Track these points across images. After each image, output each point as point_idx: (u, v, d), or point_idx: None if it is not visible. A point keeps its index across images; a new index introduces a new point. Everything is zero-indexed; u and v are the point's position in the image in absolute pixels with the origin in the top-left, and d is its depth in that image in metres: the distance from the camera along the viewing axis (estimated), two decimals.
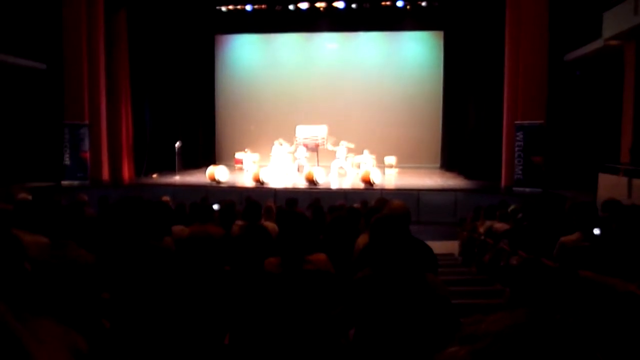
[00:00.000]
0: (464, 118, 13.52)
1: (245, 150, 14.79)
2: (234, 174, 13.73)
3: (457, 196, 10.25)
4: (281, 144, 13.64)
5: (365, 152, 13.64)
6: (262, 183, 11.33)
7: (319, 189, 10.96)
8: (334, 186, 11.84)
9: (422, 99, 16.06)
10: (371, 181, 11.06)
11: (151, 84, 13.67)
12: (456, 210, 9.95)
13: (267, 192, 10.65)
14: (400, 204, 2.78)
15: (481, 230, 6.03)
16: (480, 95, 12.46)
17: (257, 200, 4.73)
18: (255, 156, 15.12)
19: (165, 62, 14.10)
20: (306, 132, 14.04)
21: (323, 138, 13.85)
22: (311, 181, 11.29)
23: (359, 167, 13.65)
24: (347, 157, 13.64)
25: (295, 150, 13.81)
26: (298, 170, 14.06)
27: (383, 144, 15.65)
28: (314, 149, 14.07)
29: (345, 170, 13.50)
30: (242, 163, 14.84)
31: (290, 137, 14.38)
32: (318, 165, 13.51)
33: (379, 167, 13.15)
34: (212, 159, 16.39)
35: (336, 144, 13.27)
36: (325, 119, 14.73)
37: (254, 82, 16.89)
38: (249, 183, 11.67)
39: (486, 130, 12.19)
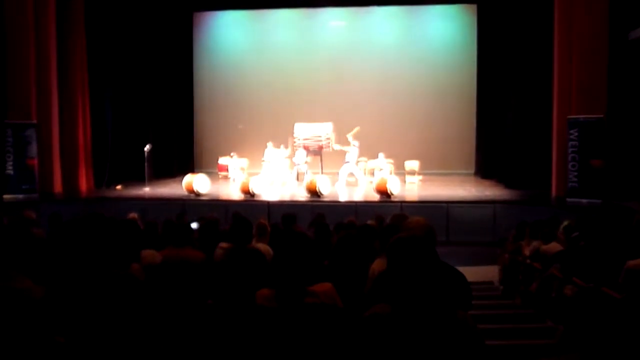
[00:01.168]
0: (504, 113, 13.53)
1: (231, 154, 14.90)
2: (217, 183, 13.80)
3: (496, 209, 10.30)
4: (277, 147, 13.86)
5: (381, 155, 13.69)
6: (253, 195, 11.41)
7: (324, 202, 11.05)
8: (343, 198, 11.90)
9: (451, 89, 16.01)
10: (388, 192, 11.03)
11: (114, 74, 13.72)
12: (495, 228, 10.01)
13: (258, 207, 10.72)
14: (424, 221, 2.79)
15: (527, 252, 6.18)
16: (523, 84, 12.33)
17: (247, 216, 4.79)
18: (244, 162, 15.18)
19: (131, 48, 14.13)
20: (307, 132, 14.09)
21: (328, 138, 13.92)
22: (313, 192, 11.36)
23: (373, 174, 13.71)
24: (358, 161, 13.75)
25: (294, 154, 14.00)
26: (297, 178, 14.12)
27: (403, 145, 15.69)
28: (317, 151, 14.15)
29: (357, 178, 13.53)
30: (227, 170, 14.93)
31: (287, 138, 14.44)
32: (322, 172, 13.56)
33: (398, 174, 13.24)
34: (190, 166, 16.47)
35: (344, 143, 13.45)
36: (330, 116, 14.42)
37: (242, 70, 16.91)
38: (236, 195, 11.74)
39: (531, 127, 12.10)
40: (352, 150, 13.30)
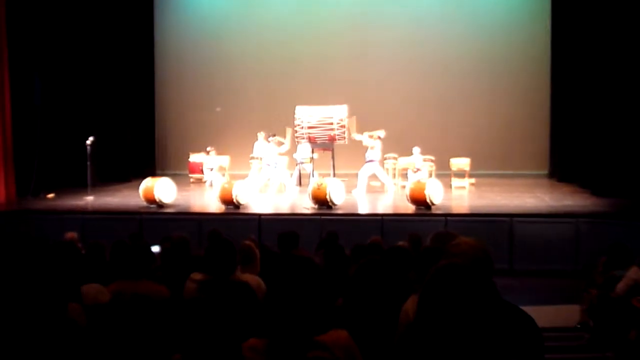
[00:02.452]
0: (586, 98, 13.49)
1: (208, 149, 15.01)
2: (187, 190, 14.06)
3: (579, 226, 10.29)
4: (270, 139, 14.04)
5: (416, 151, 13.90)
6: (238, 206, 11.52)
7: (337, 215, 11.17)
8: (363, 210, 12.04)
9: (514, 64, 16.28)
10: (427, 200, 11.06)
11: (45, 50, 13.88)
12: (577, 251, 10.05)
13: (245, 222, 10.85)
14: (478, 243, 2.79)
15: (622, 285, 6.09)
16: (612, 61, 12.35)
17: (229, 236, 4.83)
18: (225, 160, 15.39)
19: (68, 14, 14.38)
20: (313, 117, 14.25)
21: (343, 126, 14.05)
22: (323, 202, 11.46)
23: (405, 176, 13.93)
24: (385, 159, 13.98)
25: (295, 149, 14.63)
26: (299, 182, 14.38)
27: (447, 137, 15.91)
28: (327, 145, 14.33)
29: (383, 181, 13.78)
30: (201, 172, 15.13)
31: (284, 127, 14.59)
32: (334, 174, 13.75)
33: (441, 176, 13.34)
34: (151, 167, 16.62)
35: (365, 132, 13.71)
36: (344, 99, 14.73)
37: (222, 35, 17.19)
38: (215, 206, 11.87)
39: (624, 117, 12.09)
40: (377, 144, 13.42)
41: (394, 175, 14.35)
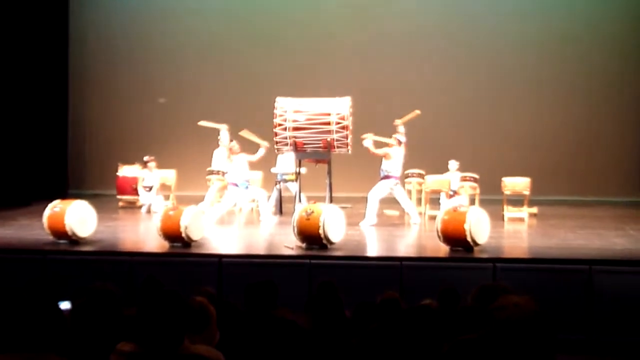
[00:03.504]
0: None
1: (145, 160, 15.32)
2: (113, 219, 14.30)
3: None
4: (231, 148, 14.33)
5: (453, 166, 14.36)
6: (188, 242, 11.53)
7: (334, 258, 11.12)
8: (373, 251, 12.33)
9: (599, 64, 17.02)
10: (468, 238, 11.06)
11: None
12: None
13: (199, 267, 10.86)
14: (532, 305, 2.83)
15: None
16: None
17: (174, 286, 4.81)
18: (169, 175, 15.76)
19: None
20: (300, 113, 14.50)
21: (344, 127, 14.25)
22: (313, 238, 11.35)
23: (437, 202, 14.37)
24: (407, 176, 14.52)
25: (274, 161, 15.06)
26: (278, 209, 14.82)
27: (497, 149, 16.63)
28: (322, 154, 14.55)
29: (404, 208, 14.07)
30: (135, 192, 15.48)
31: (258, 127, 14.88)
32: (331, 198, 14.10)
33: (488, 202, 13.55)
34: (61, 184, 17.03)
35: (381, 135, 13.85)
36: (351, 92, 15.18)
37: (164, 10, 18.08)
38: (153, 243, 12.08)
39: None
40: (396, 152, 13.67)
41: (420, 201, 14.53)
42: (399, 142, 13.68)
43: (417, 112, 14.20)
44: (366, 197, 13.63)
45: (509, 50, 17.43)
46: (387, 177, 13.58)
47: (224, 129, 14.51)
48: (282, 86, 15.78)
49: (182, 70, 17.91)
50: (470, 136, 16.77)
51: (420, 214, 14.16)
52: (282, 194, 14.78)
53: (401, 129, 13.92)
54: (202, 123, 14.82)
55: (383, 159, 13.64)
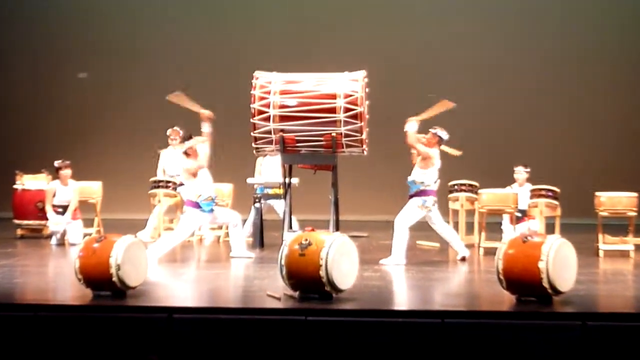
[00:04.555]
0: None
1: (58, 166, 15.30)
2: (9, 255, 14.20)
3: None
4: (191, 148, 14.40)
5: (521, 174, 14.65)
6: (122, 289, 11.33)
7: (342, 312, 10.68)
8: (401, 302, 12.39)
9: None
10: (545, 283, 10.72)
11: None
12: None
13: (139, 324, 10.44)
14: None
15: None
16: None
17: (100, 354, 4.65)
18: (94, 189, 15.92)
19: None
20: (290, 94, 14.63)
21: (355, 115, 14.21)
22: (312, 283, 11.05)
23: (500, 228, 14.65)
24: (451, 189, 14.88)
25: (247, 169, 15.25)
26: (259, 239, 14.92)
27: (582, 150, 17.31)
28: (323, 157, 14.70)
29: (446, 238, 14.33)
30: (40, 215, 15.57)
31: (226, 117, 15.35)
32: (337, 223, 14.21)
33: (574, 229, 13.61)
34: None
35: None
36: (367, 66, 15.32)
37: None
38: (70, 290, 12.06)
39: None
40: (437, 156, 13.79)
41: (472, 228, 14.73)
42: (439, 141, 13.79)
43: (449, 102, 14.23)
44: (390, 222, 13.72)
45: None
46: (421, 192, 13.64)
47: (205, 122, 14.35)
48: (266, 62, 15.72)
49: (112, 37, 18.51)
50: (543, 131, 17.30)
51: (471, 246, 14.23)
52: (264, 217, 14.84)
53: (443, 133, 13.93)
54: (174, 96, 14.61)
55: (416, 165, 13.76)
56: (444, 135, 13.77)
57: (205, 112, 14.26)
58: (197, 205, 13.87)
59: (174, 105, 14.99)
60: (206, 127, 14.33)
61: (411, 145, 13.86)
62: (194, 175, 13.95)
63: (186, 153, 14.03)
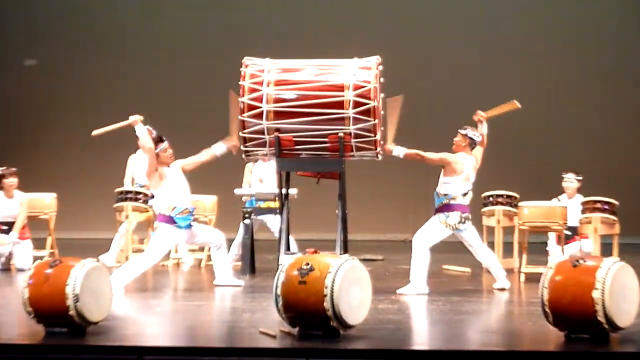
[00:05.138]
0: None
1: (2, 173, 15.28)
2: None
3: None
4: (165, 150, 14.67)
5: (571, 182, 14.69)
6: (81, 324, 11.33)
7: (352, 352, 10.72)
8: (424, 339, 12.29)
9: None
10: (598, 313, 10.62)
11: None
12: None
13: None
14: None
15: None
16: None
17: None
18: (45, 201, 15.90)
19: None
20: (289, 85, 14.73)
21: (367, 111, 14.20)
22: (314, 317, 10.99)
23: (545, 249, 14.73)
24: (485, 202, 15.10)
25: (235, 178, 15.46)
26: (246, 262, 15.04)
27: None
28: (326, 164, 14.75)
29: (482, 255, 14.39)
30: None
31: (209, 115, 15.84)
32: (345, 244, 14.25)
33: (633, 249, 14.09)
34: None
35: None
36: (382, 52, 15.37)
37: None
38: (17, 323, 12.30)
39: None
40: (468, 162, 13.90)
41: (511, 248, 14.84)
42: (471, 143, 13.87)
43: (516, 103, 14.35)
44: (409, 243, 13.82)
45: None
46: (445, 207, 13.75)
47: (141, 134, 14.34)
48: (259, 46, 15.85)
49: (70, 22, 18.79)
50: (597, 132, 17.72)
51: (509, 271, 14.26)
52: (255, 236, 14.90)
53: (484, 128, 14.20)
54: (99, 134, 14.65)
55: (441, 174, 13.84)
56: (476, 136, 13.88)
57: (130, 119, 14.37)
58: (171, 220, 13.84)
59: (145, 100, 15.10)
60: (140, 127, 14.42)
61: (428, 162, 14.01)
62: (160, 176, 13.93)
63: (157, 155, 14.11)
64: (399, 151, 14.04)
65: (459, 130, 13.91)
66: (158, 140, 14.20)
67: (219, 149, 14.26)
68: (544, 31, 20.02)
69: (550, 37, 19.87)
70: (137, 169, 14.67)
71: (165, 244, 14.01)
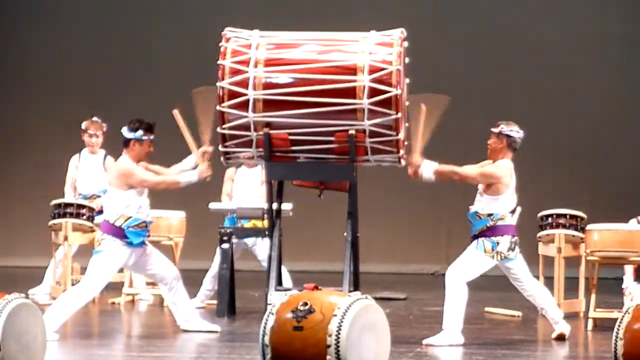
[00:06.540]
0: None
1: None
2: None
3: None
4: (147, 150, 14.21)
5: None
6: None
7: None
8: None
9: None
10: None
11: None
12: None
13: None
14: None
15: None
16: None
17: None
18: None
19: None
20: (283, 67, 14.43)
21: (385, 101, 13.25)
22: None
23: (621, 292, 15.30)
24: (544, 225, 15.52)
25: (211, 192, 15.05)
26: (223, 300, 15.53)
27: None
28: (332, 170, 14.64)
29: (535, 293, 13.98)
30: None
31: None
32: (356, 279, 14.29)
33: None
34: None
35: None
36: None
37: None
38: None
39: None
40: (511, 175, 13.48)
41: (574, 286, 15.05)
42: (511, 143, 13.18)
43: (444, 97, 13.65)
44: (440, 277, 13.02)
45: None
46: (490, 230, 13.01)
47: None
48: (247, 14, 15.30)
49: None
50: None
51: (573, 315, 13.59)
52: (236, 265, 14.20)
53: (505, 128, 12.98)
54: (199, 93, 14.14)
55: (481, 188, 13.13)
56: (518, 133, 13.14)
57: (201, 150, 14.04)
58: (120, 234, 13.11)
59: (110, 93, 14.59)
60: (191, 160, 14.18)
61: (469, 182, 13.51)
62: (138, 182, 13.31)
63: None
64: (429, 169, 13.30)
65: (492, 130, 13.27)
66: (147, 128, 13.57)
67: (185, 177, 13.92)
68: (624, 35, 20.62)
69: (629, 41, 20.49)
70: (80, 174, 13.82)
71: (111, 266, 13.34)
